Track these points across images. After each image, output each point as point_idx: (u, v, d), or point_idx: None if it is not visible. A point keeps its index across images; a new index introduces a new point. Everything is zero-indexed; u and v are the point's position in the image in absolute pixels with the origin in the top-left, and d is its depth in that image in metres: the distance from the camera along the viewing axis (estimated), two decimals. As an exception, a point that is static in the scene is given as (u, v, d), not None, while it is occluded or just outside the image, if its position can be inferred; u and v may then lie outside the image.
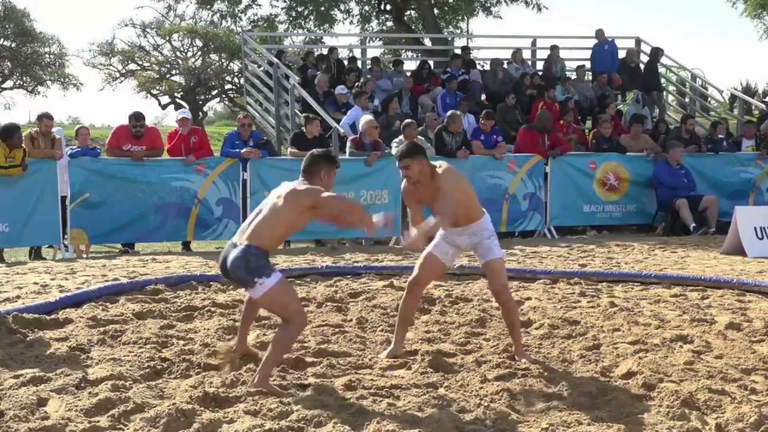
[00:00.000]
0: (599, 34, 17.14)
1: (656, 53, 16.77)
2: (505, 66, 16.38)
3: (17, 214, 10.09)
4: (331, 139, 12.54)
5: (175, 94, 34.89)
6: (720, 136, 13.92)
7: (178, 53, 34.88)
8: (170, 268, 8.88)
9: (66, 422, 3.82)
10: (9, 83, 35.27)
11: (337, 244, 11.48)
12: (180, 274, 8.16)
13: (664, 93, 19.95)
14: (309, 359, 5.11)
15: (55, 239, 10.47)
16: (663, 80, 19.99)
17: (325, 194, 4.63)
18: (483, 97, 15.72)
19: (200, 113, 34.36)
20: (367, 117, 12.06)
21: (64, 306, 6.46)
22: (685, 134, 13.69)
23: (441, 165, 5.15)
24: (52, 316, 6.05)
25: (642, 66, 17.36)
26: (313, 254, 10.18)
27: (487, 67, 17.07)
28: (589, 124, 15.68)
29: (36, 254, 10.69)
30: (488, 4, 25.80)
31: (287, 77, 14.33)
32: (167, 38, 34.08)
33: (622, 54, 17.36)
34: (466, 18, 26.50)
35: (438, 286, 7.66)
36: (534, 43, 18.34)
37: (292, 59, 17.48)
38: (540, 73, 16.38)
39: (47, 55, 34.63)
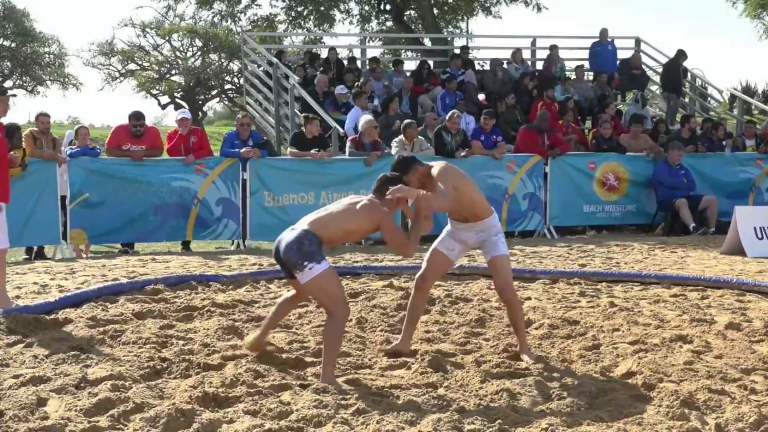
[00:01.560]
0: (603, 33, 17.14)
1: (679, 56, 16.46)
2: (505, 66, 16.39)
3: (17, 214, 10.07)
4: (330, 139, 12.55)
5: (175, 94, 34.89)
6: (722, 138, 13.91)
7: (177, 53, 34.90)
8: (170, 268, 8.88)
9: (66, 422, 3.82)
10: (9, 83, 35.26)
11: (337, 244, 11.47)
12: (180, 274, 8.16)
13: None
14: (309, 359, 5.11)
15: (55, 239, 10.47)
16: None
17: (391, 224, 4.87)
18: (482, 97, 15.72)
19: (200, 113, 34.36)
20: (366, 117, 12.06)
21: (64, 306, 6.45)
22: (686, 134, 13.69)
23: (436, 165, 5.17)
24: (52, 316, 6.04)
25: (642, 67, 17.40)
26: (312, 254, 10.16)
27: (487, 67, 17.08)
28: (588, 124, 15.69)
29: (37, 254, 10.68)
30: (488, 4, 25.81)
31: (287, 77, 14.33)
32: (167, 38, 34.08)
33: (620, 54, 17.38)
34: (465, 18, 26.50)
35: (438, 286, 7.65)
36: (534, 43, 18.35)
37: (292, 59, 17.47)
38: (537, 74, 16.39)
39: (47, 55, 34.63)
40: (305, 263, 4.61)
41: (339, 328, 4.71)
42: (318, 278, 4.63)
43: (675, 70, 16.44)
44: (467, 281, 8.13)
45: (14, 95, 8.18)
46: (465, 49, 17.65)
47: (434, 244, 5.41)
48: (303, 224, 4.77)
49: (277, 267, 5.06)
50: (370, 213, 4.84)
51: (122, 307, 6.48)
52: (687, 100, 18.37)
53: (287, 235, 4.74)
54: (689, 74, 17.71)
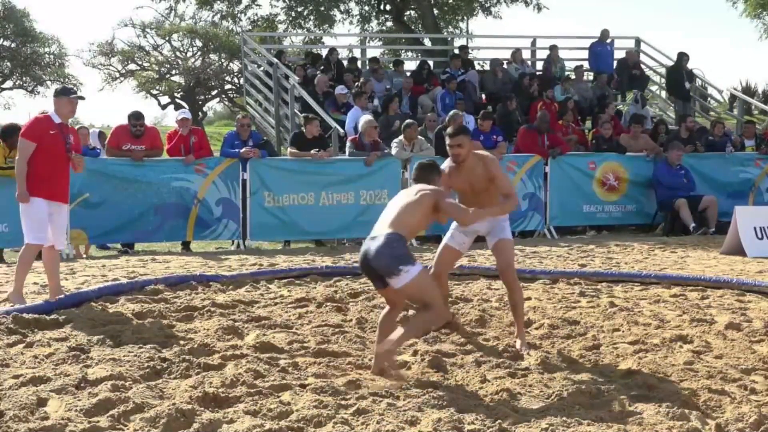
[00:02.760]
0: (603, 33, 17.15)
1: (681, 59, 16.41)
2: (505, 66, 16.39)
3: (17, 214, 10.05)
4: (330, 139, 12.55)
5: (175, 94, 34.86)
6: (724, 137, 13.89)
7: (177, 53, 34.86)
8: (170, 268, 8.88)
9: (66, 422, 3.82)
10: (9, 83, 35.25)
11: (337, 244, 11.48)
12: (180, 274, 8.16)
13: (665, 93, 19.98)
14: (309, 359, 5.11)
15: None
16: (663, 80, 20.02)
17: (447, 199, 5.07)
18: (483, 97, 15.72)
19: (200, 113, 34.33)
20: (366, 117, 12.07)
21: (64, 306, 6.46)
22: (685, 133, 13.69)
23: (485, 154, 5.40)
24: (52, 316, 6.04)
25: (641, 67, 17.38)
26: (313, 254, 10.18)
27: (487, 67, 17.08)
28: (588, 124, 15.69)
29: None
30: (488, 4, 25.82)
31: (287, 77, 14.34)
32: (167, 38, 34.05)
33: (618, 54, 17.38)
34: (465, 18, 26.51)
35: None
36: (534, 43, 18.35)
37: (292, 59, 17.48)
38: (538, 74, 16.39)
39: (47, 55, 34.59)
40: (400, 267, 4.62)
41: (430, 322, 4.78)
42: (416, 279, 4.67)
43: (678, 73, 16.39)
44: (467, 281, 8.13)
45: (82, 98, 8.21)
46: (464, 48, 17.65)
47: (445, 241, 5.54)
48: (383, 228, 4.78)
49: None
50: (430, 198, 4.95)
51: (122, 307, 6.48)
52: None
53: (371, 244, 4.72)
54: (695, 78, 17.66)
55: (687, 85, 16.46)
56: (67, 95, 6.78)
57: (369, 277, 4.88)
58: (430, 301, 4.75)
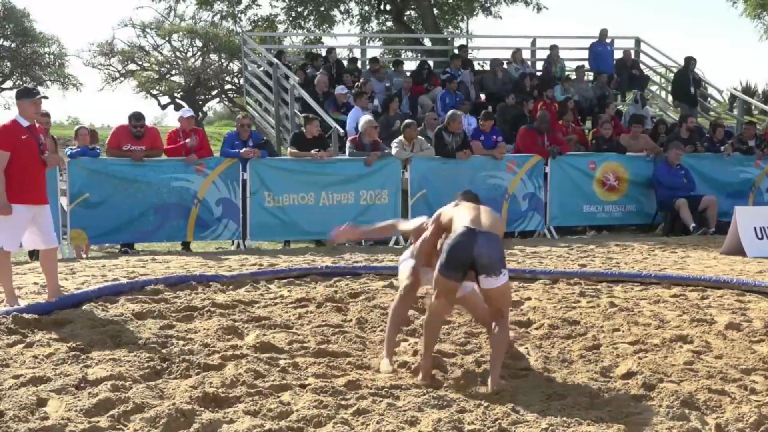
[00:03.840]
0: (603, 33, 17.14)
1: (688, 63, 16.28)
2: (505, 66, 16.38)
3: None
4: (330, 139, 12.55)
5: (175, 94, 34.85)
6: (724, 140, 13.87)
7: (177, 53, 34.86)
8: (170, 269, 8.88)
9: (66, 422, 3.82)
10: (9, 83, 35.25)
11: (337, 245, 11.48)
12: (180, 274, 8.16)
13: (665, 93, 19.97)
14: (309, 359, 5.11)
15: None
16: (663, 80, 20.01)
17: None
18: (483, 97, 15.72)
19: (200, 113, 34.33)
20: (366, 117, 12.06)
21: (64, 306, 6.45)
22: (685, 133, 13.68)
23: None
24: (52, 316, 6.04)
25: (640, 67, 17.37)
26: (313, 254, 10.18)
27: (486, 67, 17.08)
28: (588, 124, 15.68)
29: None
30: (488, 4, 25.81)
31: (287, 77, 14.34)
32: (167, 38, 34.05)
33: (618, 54, 17.37)
34: (465, 18, 26.50)
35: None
36: (534, 43, 18.35)
37: (292, 59, 17.48)
38: (538, 74, 16.39)
39: (47, 55, 34.60)
40: (502, 269, 4.71)
41: (508, 330, 4.93)
42: (507, 285, 4.82)
43: (685, 78, 16.19)
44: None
45: (46, 97, 8.27)
46: (463, 48, 17.64)
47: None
48: (488, 227, 4.79)
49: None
50: (499, 221, 5.27)
51: (122, 307, 6.49)
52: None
53: (484, 239, 4.68)
54: (702, 83, 17.56)
55: (692, 90, 16.25)
56: (30, 97, 6.61)
57: (462, 264, 4.70)
58: (507, 307, 4.98)
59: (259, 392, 4.36)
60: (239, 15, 26.20)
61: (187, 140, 10.95)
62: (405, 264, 5.32)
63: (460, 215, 4.89)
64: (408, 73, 16.55)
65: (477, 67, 18.04)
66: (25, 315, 5.89)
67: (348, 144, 11.86)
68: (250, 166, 11.00)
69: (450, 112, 12.31)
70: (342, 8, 25.18)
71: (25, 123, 6.56)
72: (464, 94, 15.08)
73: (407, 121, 12.13)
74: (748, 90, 28.43)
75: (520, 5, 25.71)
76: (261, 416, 3.98)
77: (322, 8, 24.13)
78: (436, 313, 4.85)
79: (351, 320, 6.31)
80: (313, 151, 11.38)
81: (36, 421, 3.85)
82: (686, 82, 16.22)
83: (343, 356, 5.21)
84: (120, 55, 34.44)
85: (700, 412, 4.14)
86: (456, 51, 17.55)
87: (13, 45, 33.58)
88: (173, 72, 34.94)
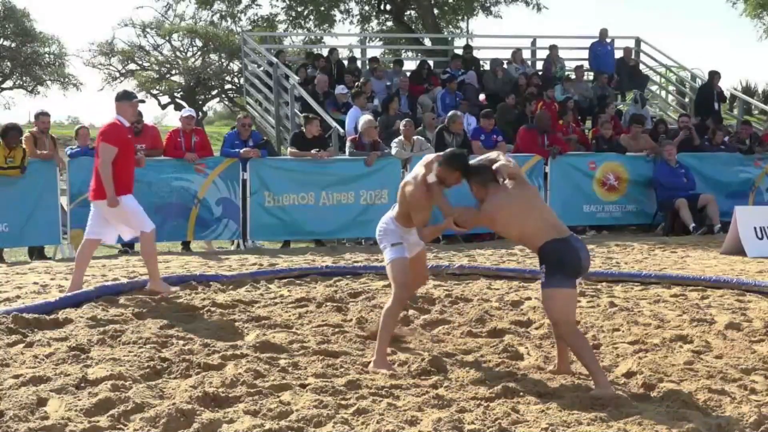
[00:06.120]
0: (603, 33, 17.14)
1: (712, 78, 15.89)
2: (505, 66, 16.38)
3: (17, 214, 10.09)
4: (330, 139, 12.55)
5: (175, 94, 34.87)
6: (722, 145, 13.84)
7: (177, 53, 34.87)
8: (170, 268, 8.88)
9: (66, 422, 3.82)
10: (9, 83, 35.27)
11: (337, 244, 11.48)
12: (180, 274, 8.16)
13: (664, 93, 19.98)
14: (309, 359, 5.11)
15: (55, 239, 10.46)
16: (663, 80, 20.02)
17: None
18: (482, 97, 15.71)
19: (200, 113, 34.34)
20: (366, 117, 12.06)
21: (64, 306, 6.45)
22: (682, 133, 13.65)
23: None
24: (52, 316, 6.04)
25: (640, 67, 17.36)
26: (313, 254, 10.18)
27: (487, 67, 17.07)
28: (588, 124, 15.68)
29: (39, 254, 10.67)
30: (488, 4, 25.83)
31: (287, 77, 14.33)
32: (167, 38, 34.06)
33: (618, 54, 17.36)
34: (466, 18, 26.51)
35: (438, 286, 7.66)
36: (534, 43, 18.35)
37: (292, 59, 17.49)
38: (539, 73, 16.38)
39: (47, 55, 34.62)
40: None
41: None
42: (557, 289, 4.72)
43: (709, 92, 15.75)
44: (467, 281, 8.13)
45: (143, 101, 8.57)
46: (467, 48, 17.62)
47: (404, 255, 5.31)
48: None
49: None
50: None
51: (122, 307, 6.49)
52: (687, 100, 18.33)
53: (581, 244, 4.78)
54: (689, 74, 17.47)
55: (716, 105, 15.78)
56: (130, 99, 7.24)
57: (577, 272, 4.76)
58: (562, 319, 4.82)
59: (259, 392, 4.36)
60: (239, 15, 26.23)
61: (189, 154, 10.86)
62: (393, 253, 5.22)
63: (540, 209, 4.98)
64: (408, 73, 16.54)
65: (479, 67, 18.00)
66: (25, 315, 5.88)
67: (348, 144, 11.86)
68: (250, 165, 11.00)
69: (451, 113, 12.31)
70: (342, 8, 25.20)
71: (126, 123, 7.14)
72: (472, 94, 15.07)
73: (404, 120, 12.14)
74: (748, 90, 28.45)
75: (520, 5, 25.76)
76: (261, 416, 3.98)
77: (322, 8, 24.14)
78: (402, 303, 5.16)
79: (351, 320, 6.31)
80: (313, 151, 11.38)
81: (36, 420, 3.85)
82: (710, 97, 15.79)
83: (343, 356, 5.20)
84: (120, 55, 34.46)
85: (700, 412, 4.14)
86: (456, 51, 17.55)
87: (13, 45, 33.61)
88: (173, 72, 34.96)
